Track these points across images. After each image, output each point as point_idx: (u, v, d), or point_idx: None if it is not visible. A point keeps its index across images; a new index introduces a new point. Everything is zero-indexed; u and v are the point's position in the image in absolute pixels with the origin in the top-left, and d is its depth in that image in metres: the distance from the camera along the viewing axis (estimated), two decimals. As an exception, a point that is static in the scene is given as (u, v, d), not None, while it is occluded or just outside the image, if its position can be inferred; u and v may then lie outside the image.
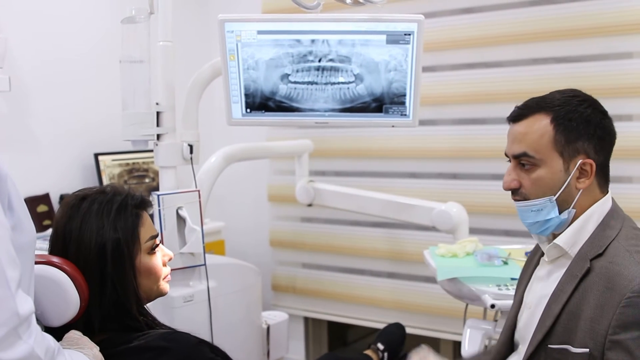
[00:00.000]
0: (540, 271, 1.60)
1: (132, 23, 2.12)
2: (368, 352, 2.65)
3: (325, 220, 3.46)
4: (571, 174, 1.47)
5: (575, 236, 1.48)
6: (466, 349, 2.06)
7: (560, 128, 1.47)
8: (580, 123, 1.46)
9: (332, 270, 3.47)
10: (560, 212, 1.49)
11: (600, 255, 1.42)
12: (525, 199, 1.52)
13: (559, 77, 2.73)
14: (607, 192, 1.52)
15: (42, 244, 2.34)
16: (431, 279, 2.98)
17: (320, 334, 3.77)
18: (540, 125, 1.48)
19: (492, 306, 1.94)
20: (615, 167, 2.60)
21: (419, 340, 2.91)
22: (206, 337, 2.18)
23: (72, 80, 2.94)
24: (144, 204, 1.53)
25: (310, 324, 3.70)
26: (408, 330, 2.86)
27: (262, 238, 3.68)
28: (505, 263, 2.20)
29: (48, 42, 2.83)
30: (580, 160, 1.46)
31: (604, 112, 1.50)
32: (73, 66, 2.94)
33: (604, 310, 1.35)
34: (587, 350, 1.36)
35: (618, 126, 2.63)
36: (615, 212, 1.50)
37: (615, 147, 2.67)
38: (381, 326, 2.91)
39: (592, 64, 2.69)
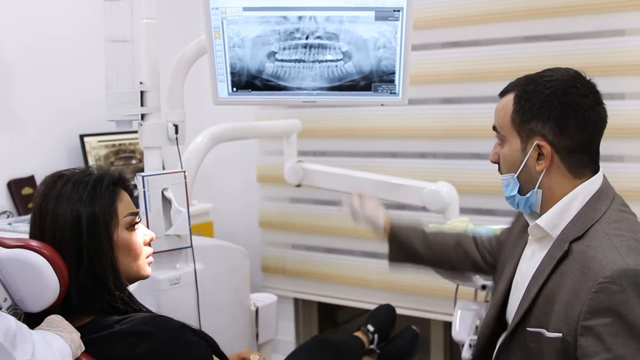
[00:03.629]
0: (527, 250, 1.60)
1: (115, 0, 2.07)
2: (358, 333, 2.63)
3: (314, 200, 3.43)
4: (527, 155, 1.47)
5: (558, 217, 1.46)
6: (457, 330, 2.05)
7: (517, 107, 1.48)
8: (536, 104, 1.45)
9: (321, 251, 3.46)
10: (524, 192, 1.51)
11: (579, 238, 1.40)
12: (501, 173, 1.58)
13: (551, 55, 2.70)
14: (592, 174, 1.47)
15: (27, 227, 2.31)
16: (421, 260, 2.96)
17: (310, 315, 3.76)
18: (507, 102, 1.51)
19: (483, 287, 1.93)
20: (607, 146, 2.61)
21: (410, 321, 2.91)
22: (193, 320, 2.16)
23: (57, 60, 2.89)
24: (122, 181, 1.53)
25: (300, 305, 3.69)
26: (398, 311, 2.85)
27: (252, 219, 3.66)
28: (496, 243, 2.17)
29: (32, 22, 2.77)
30: (535, 142, 1.45)
31: (574, 96, 1.43)
32: (57, 46, 2.89)
33: (577, 295, 1.32)
34: (561, 335, 1.35)
35: (610, 105, 2.60)
36: (603, 193, 1.46)
37: (607, 126, 2.66)
38: (371, 307, 2.89)
39: (584, 41, 2.66)
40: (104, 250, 1.44)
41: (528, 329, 1.44)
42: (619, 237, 1.35)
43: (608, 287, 1.27)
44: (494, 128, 1.57)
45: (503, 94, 1.55)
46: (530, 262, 1.54)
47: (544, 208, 1.50)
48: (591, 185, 1.46)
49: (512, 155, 1.51)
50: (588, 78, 1.48)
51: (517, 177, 1.51)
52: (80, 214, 1.42)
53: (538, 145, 1.45)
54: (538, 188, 1.48)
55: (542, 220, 1.48)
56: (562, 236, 1.44)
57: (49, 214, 1.42)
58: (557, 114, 1.42)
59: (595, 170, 1.48)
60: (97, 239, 1.43)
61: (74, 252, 1.41)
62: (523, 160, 1.48)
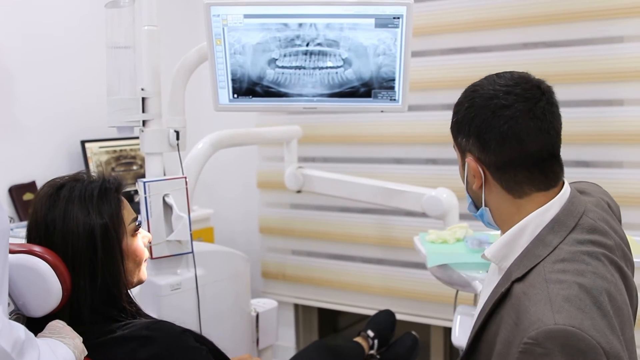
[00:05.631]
0: (490, 267, 1.49)
1: (116, 7, 2.08)
2: (358, 339, 2.65)
3: (314, 206, 3.44)
4: (465, 172, 1.37)
5: (505, 249, 1.31)
6: (457, 335, 2.05)
7: (451, 122, 1.39)
8: (459, 117, 1.34)
9: (322, 257, 3.46)
10: (477, 209, 1.41)
11: (520, 279, 1.23)
12: None
13: (549, 62, 2.72)
14: (537, 192, 1.30)
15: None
16: (421, 265, 2.97)
17: (310, 321, 3.76)
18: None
19: (482, 293, 1.93)
20: (606, 152, 2.64)
21: (410, 327, 2.92)
22: (194, 325, 2.17)
23: (58, 66, 2.90)
24: (121, 187, 1.53)
25: (301, 310, 3.70)
26: (398, 316, 2.86)
27: (252, 225, 3.67)
28: (496, 249, 2.18)
29: (33, 28, 2.78)
30: (467, 159, 1.34)
31: (493, 108, 1.27)
32: (59, 52, 2.90)
33: (509, 349, 1.18)
34: None
35: (608, 111, 2.65)
36: (558, 222, 1.27)
37: (606, 132, 2.69)
38: (371, 313, 2.90)
39: (582, 48, 2.67)
40: (116, 262, 1.45)
41: None
42: (559, 283, 1.16)
43: (532, 350, 1.11)
44: None
45: None
46: (487, 287, 1.43)
47: (499, 225, 1.38)
48: (544, 213, 1.28)
49: (459, 169, 1.42)
50: (534, 82, 1.30)
51: (467, 192, 1.42)
52: (92, 227, 1.41)
53: (467, 162, 1.34)
54: (485, 205, 1.37)
55: (489, 252, 1.35)
56: (508, 273, 1.28)
57: (58, 230, 1.40)
58: (475, 129, 1.29)
59: (543, 188, 1.30)
60: (110, 251, 1.43)
61: (88, 267, 1.41)
62: (464, 177, 1.39)
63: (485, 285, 1.47)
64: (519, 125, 1.25)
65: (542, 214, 1.28)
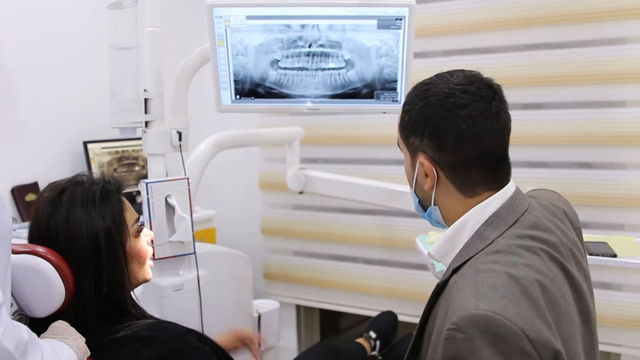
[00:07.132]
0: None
1: (119, 9, 2.09)
2: (360, 340, 2.65)
3: (316, 207, 3.44)
4: (416, 172, 1.35)
5: (447, 245, 1.31)
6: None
7: (400, 120, 1.36)
8: (412, 117, 1.31)
9: (324, 258, 3.46)
10: (425, 209, 1.39)
11: (456, 270, 1.24)
12: None
13: (551, 63, 2.72)
14: (488, 191, 1.29)
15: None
16: (423, 266, 2.97)
17: (312, 322, 3.76)
18: (400, 113, 1.39)
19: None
20: (609, 154, 2.64)
21: (412, 328, 2.91)
22: (196, 326, 2.17)
23: (60, 67, 2.91)
24: (122, 188, 1.53)
25: (302, 311, 3.70)
26: (400, 317, 2.86)
27: (254, 226, 3.67)
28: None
29: (35, 29, 2.79)
30: (419, 159, 1.32)
31: (450, 107, 1.25)
32: (61, 53, 2.91)
33: (439, 338, 1.16)
34: None
35: (610, 112, 2.65)
36: (498, 217, 1.26)
37: (608, 133, 2.69)
38: (373, 314, 2.90)
39: (584, 49, 2.67)
40: (120, 265, 1.45)
41: None
42: (489, 272, 1.16)
43: (454, 335, 1.10)
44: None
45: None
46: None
47: (448, 223, 1.35)
48: (484, 208, 1.27)
49: (407, 169, 1.40)
50: (485, 81, 1.30)
51: (414, 192, 1.40)
52: (96, 231, 1.41)
53: (421, 162, 1.31)
54: (435, 204, 1.35)
55: (432, 249, 1.34)
56: (450, 267, 1.28)
57: (61, 234, 1.40)
58: (431, 128, 1.27)
59: (494, 187, 1.29)
60: (114, 254, 1.43)
61: (93, 273, 1.40)
62: (414, 177, 1.36)
63: None
64: (477, 124, 1.24)
65: (482, 209, 1.27)
